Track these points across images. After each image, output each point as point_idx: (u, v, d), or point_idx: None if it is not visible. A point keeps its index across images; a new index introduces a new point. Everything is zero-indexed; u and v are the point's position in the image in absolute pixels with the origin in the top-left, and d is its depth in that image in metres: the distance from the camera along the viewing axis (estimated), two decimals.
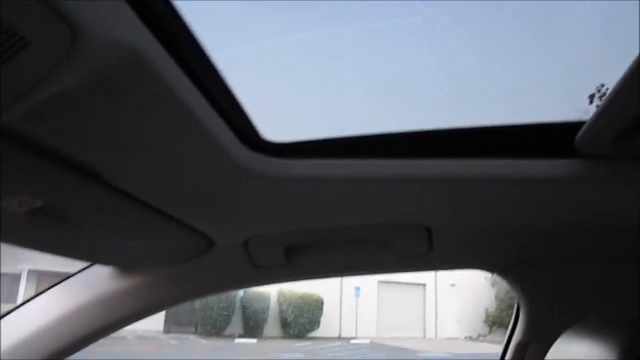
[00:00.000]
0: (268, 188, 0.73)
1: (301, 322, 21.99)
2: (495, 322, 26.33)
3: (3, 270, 19.03)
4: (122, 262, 1.03)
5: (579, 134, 0.67)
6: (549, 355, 0.88)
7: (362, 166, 0.71)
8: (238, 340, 20.05)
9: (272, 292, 22.06)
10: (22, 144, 0.55)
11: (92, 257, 0.99)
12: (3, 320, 1.11)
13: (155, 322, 21.37)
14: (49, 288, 1.12)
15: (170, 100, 0.53)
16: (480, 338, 25.77)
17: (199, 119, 0.58)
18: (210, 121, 0.60)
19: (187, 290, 1.08)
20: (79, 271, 1.11)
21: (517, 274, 1.20)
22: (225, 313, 20.96)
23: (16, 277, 18.17)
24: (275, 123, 0.76)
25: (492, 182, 0.73)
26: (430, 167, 0.72)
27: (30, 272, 18.24)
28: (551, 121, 0.73)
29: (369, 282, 24.44)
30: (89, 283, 1.07)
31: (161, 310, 1.11)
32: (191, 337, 20.49)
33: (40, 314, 1.07)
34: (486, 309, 26.53)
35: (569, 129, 0.69)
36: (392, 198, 0.79)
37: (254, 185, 0.72)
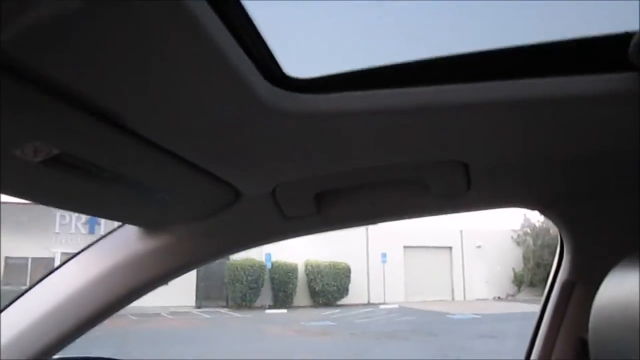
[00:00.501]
0: (294, 126, 0.69)
1: (329, 290, 22.23)
2: (523, 281, 26.32)
3: (38, 255, 19.60)
4: (147, 219, 1.00)
5: (632, 44, 0.61)
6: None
7: (392, 96, 0.66)
8: (268, 311, 20.39)
9: (299, 262, 22.30)
10: (35, 85, 0.52)
11: (113, 213, 0.97)
12: (31, 293, 1.11)
13: (187, 299, 21.84)
14: (74, 255, 1.11)
15: (194, 33, 0.50)
16: (509, 298, 25.81)
17: (222, 54, 0.54)
18: (233, 56, 0.56)
19: (216, 246, 1.05)
20: (104, 236, 1.10)
21: (560, 210, 1.14)
22: (254, 286, 21.29)
23: (50, 260, 18.71)
24: (298, 58, 0.71)
25: (534, 104, 0.68)
26: (466, 93, 0.67)
27: (63, 254, 18.70)
28: (599, 34, 0.67)
29: (395, 248, 24.52)
30: (115, 246, 1.06)
31: (192, 268, 1.09)
32: (222, 310, 20.89)
33: (68, 281, 1.07)
34: (513, 269, 26.50)
35: (620, 40, 0.63)
36: (425, 130, 0.74)
37: (280, 124, 0.68)
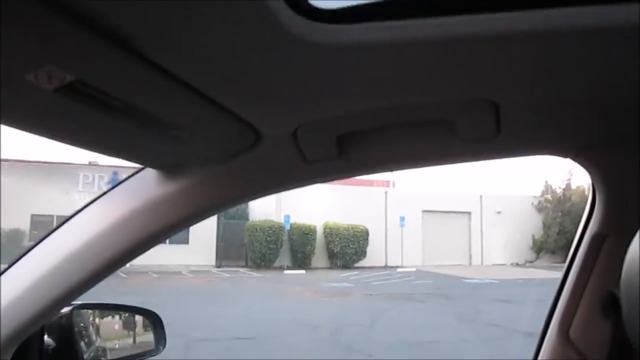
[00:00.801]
0: (318, 58, 0.67)
1: (348, 252, 22.43)
2: (542, 248, 26.21)
3: (63, 212, 19.95)
4: (164, 160, 0.98)
5: None
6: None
7: (423, 26, 0.64)
8: (287, 272, 20.68)
9: (318, 224, 22.45)
10: (52, 5, 0.51)
11: (129, 152, 0.95)
12: (51, 238, 1.11)
13: (207, 258, 22.25)
14: (93, 201, 1.11)
15: None
16: (527, 264, 25.77)
17: None
18: None
19: (236, 191, 1.04)
20: (122, 181, 1.09)
21: (593, 156, 1.08)
22: (273, 247, 21.56)
23: None
24: None
25: (572, 35, 0.64)
26: (500, 23, 0.63)
27: None
28: None
29: (413, 212, 24.51)
30: (133, 191, 1.05)
31: (212, 213, 1.08)
32: (242, 270, 21.26)
33: (87, 227, 1.07)
34: (533, 236, 26.37)
35: None
36: (455, 64, 0.71)
37: (303, 55, 0.66)
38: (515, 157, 1.11)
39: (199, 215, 1.07)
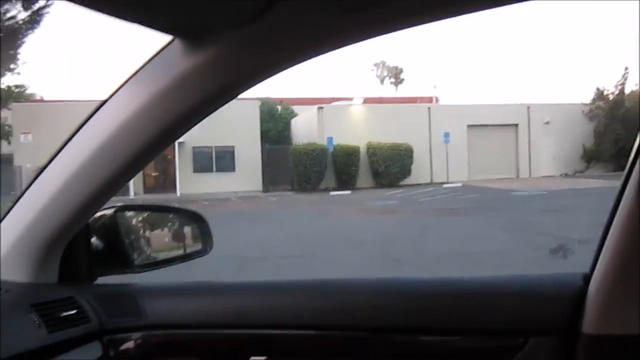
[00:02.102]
0: None
1: (392, 171, 22.43)
2: (592, 157, 25.48)
3: None
4: (184, 24, 0.90)
5: None
6: None
7: None
8: (332, 193, 20.93)
9: (361, 145, 22.39)
10: None
11: (143, 14, 0.87)
12: (83, 131, 1.08)
13: (253, 184, 22.71)
14: (121, 86, 1.06)
15: None
16: (577, 174, 25.19)
17: None
18: None
19: (268, 56, 0.95)
20: (149, 60, 1.02)
21: None
22: (317, 169, 21.75)
23: None
24: None
25: None
26: None
27: None
28: None
29: (458, 127, 24.05)
30: (162, 67, 0.99)
31: (246, 86, 0.99)
32: (288, 194, 21.64)
33: (118, 114, 1.02)
34: (583, 145, 25.60)
35: None
36: None
37: None
38: None
39: (233, 89, 0.99)
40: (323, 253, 8.81)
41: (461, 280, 1.17)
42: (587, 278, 1.04)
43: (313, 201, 18.47)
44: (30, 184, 1.15)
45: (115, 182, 1.11)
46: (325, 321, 1.15)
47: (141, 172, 20.22)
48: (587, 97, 26.73)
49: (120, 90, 1.06)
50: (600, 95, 26.19)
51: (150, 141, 1.04)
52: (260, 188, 22.95)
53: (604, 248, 1.01)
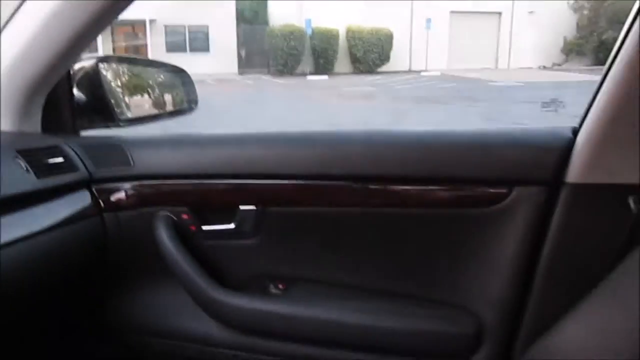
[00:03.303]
0: None
1: (371, 57, 22.02)
2: (572, 49, 25.26)
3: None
4: None
5: None
6: None
7: None
8: (310, 78, 20.59)
9: (340, 28, 21.72)
10: None
11: None
12: None
13: (229, 66, 22.09)
14: None
15: None
16: (555, 67, 25.09)
17: None
18: None
19: None
20: None
21: None
22: (294, 52, 21.19)
23: None
24: None
25: None
26: None
27: None
28: None
29: (441, 13, 23.36)
30: None
31: None
32: (265, 77, 21.22)
33: None
34: (565, 37, 25.23)
35: None
36: None
37: None
38: None
39: None
40: None
41: (451, 132, 1.17)
42: (575, 131, 1.05)
43: (290, 85, 18.18)
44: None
45: (92, 27, 1.06)
46: (315, 171, 1.16)
47: (112, 51, 19.44)
48: None
49: None
50: None
51: None
52: (236, 70, 22.40)
53: (595, 102, 1.01)
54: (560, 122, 1.18)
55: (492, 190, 1.10)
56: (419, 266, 1.19)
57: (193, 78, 1.45)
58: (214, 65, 22.15)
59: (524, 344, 1.10)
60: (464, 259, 1.15)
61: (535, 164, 1.06)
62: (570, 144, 1.04)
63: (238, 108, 12.12)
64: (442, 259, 1.17)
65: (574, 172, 1.02)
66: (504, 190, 1.08)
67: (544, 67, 25.05)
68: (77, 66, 1.23)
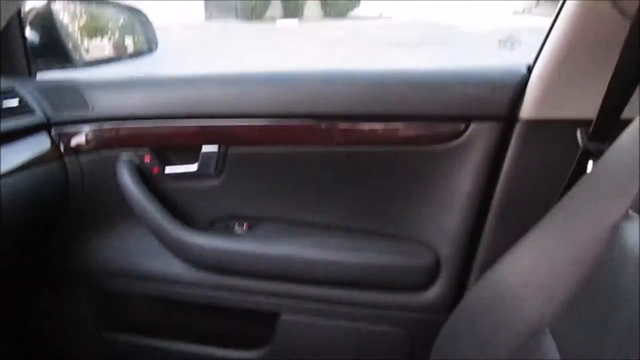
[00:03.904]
0: None
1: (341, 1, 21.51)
2: None
3: None
4: None
5: None
6: None
7: None
8: (279, 22, 20.10)
9: None
10: None
11: None
12: None
13: (195, 11, 21.36)
14: None
15: None
16: (526, 12, 24.97)
17: None
18: None
19: None
20: None
21: None
22: None
23: None
24: None
25: None
26: None
27: None
28: None
29: None
30: None
31: None
32: (232, 22, 20.62)
33: None
34: None
35: None
36: None
37: None
38: None
39: None
40: None
41: (410, 71, 1.19)
42: (530, 68, 1.08)
43: (257, 31, 17.75)
44: None
45: None
46: (276, 110, 1.16)
47: None
48: None
49: None
50: None
51: None
52: (203, 16, 21.69)
53: (548, 39, 1.03)
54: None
55: (450, 126, 1.12)
56: (379, 202, 1.22)
57: (157, 26, 1.41)
58: (180, 10, 21.39)
59: (478, 275, 1.16)
60: (422, 195, 1.19)
61: (491, 100, 1.09)
62: (524, 81, 1.06)
63: (207, 57, 11.81)
64: (402, 195, 1.20)
65: (527, 108, 1.05)
66: (461, 126, 1.11)
67: (515, 12, 24.90)
68: (28, 7, 1.19)
